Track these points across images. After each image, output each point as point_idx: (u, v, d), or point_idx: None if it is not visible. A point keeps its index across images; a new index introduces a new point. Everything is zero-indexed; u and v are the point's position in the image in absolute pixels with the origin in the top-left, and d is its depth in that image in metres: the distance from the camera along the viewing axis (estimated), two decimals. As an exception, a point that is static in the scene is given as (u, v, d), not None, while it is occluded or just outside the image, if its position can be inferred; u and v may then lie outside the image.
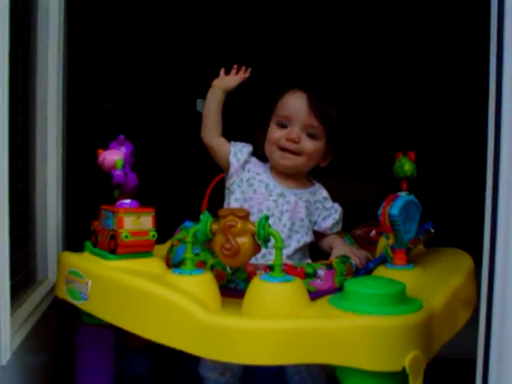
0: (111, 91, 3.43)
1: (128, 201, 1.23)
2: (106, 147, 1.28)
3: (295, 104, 1.41)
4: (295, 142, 1.40)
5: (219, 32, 3.58)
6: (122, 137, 1.28)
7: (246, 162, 1.46)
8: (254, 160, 1.48)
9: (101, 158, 1.24)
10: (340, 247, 1.41)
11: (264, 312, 1.00)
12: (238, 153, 1.46)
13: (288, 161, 1.42)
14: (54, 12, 1.66)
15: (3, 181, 1.16)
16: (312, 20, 3.46)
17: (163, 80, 3.58)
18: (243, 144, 1.48)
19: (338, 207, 1.49)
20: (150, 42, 3.58)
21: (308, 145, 1.41)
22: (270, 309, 1.00)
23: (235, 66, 1.47)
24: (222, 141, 1.47)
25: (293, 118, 1.40)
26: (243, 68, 1.47)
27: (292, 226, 1.41)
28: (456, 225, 2.25)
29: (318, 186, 1.50)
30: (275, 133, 1.42)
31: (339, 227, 1.50)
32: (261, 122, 1.52)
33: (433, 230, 1.34)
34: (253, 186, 1.43)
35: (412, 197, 1.25)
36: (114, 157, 1.23)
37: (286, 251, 1.37)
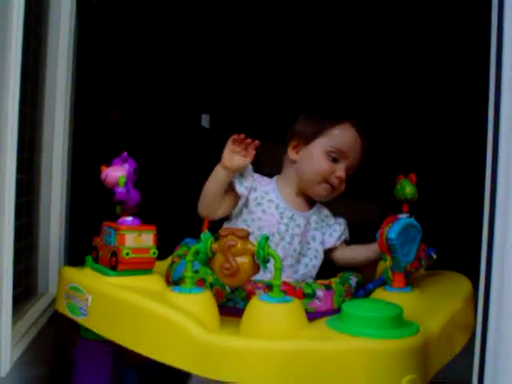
0: (116, 104, 3.45)
1: (130, 218, 1.24)
2: (109, 163, 1.30)
3: (352, 140, 1.41)
4: (342, 181, 1.41)
5: (227, 47, 3.61)
6: (125, 154, 1.29)
7: (253, 182, 1.42)
8: (257, 176, 1.44)
9: (104, 175, 1.26)
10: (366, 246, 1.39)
11: (261, 332, 1.01)
12: (242, 181, 1.40)
13: (329, 197, 1.44)
14: (65, 27, 1.68)
15: (10, 194, 1.18)
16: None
17: (168, 94, 3.61)
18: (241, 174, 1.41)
19: (340, 219, 1.48)
20: (156, 56, 3.61)
21: (343, 184, 1.43)
22: (268, 329, 1.01)
23: (242, 137, 1.36)
24: (224, 203, 1.41)
25: (346, 155, 1.40)
26: (250, 142, 1.36)
27: (301, 250, 1.40)
28: (456, 248, 2.25)
29: (317, 204, 1.48)
30: (325, 165, 1.40)
31: (347, 235, 1.47)
32: (275, 139, 1.50)
33: (435, 256, 1.34)
34: (261, 205, 1.40)
35: (412, 220, 1.26)
36: (116, 173, 1.24)
37: (294, 276, 1.38)
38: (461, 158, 3.20)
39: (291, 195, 1.44)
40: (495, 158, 0.98)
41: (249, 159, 1.37)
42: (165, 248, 1.40)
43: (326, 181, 1.40)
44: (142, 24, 3.59)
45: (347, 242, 1.48)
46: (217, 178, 1.36)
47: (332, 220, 1.47)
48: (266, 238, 1.09)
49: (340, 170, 1.40)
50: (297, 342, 0.98)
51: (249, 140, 1.35)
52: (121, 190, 1.23)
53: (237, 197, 1.41)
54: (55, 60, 1.69)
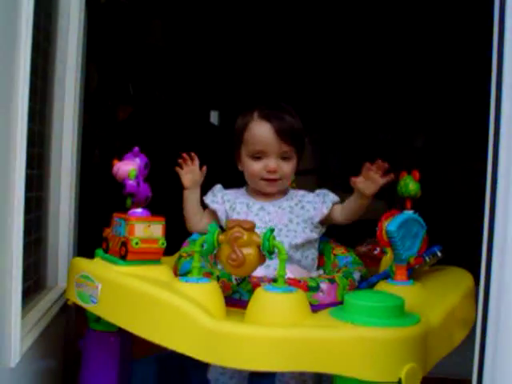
0: (125, 101, 3.47)
1: (139, 210, 1.28)
2: (120, 158, 1.33)
3: (264, 136, 1.48)
4: (275, 172, 1.49)
5: (235, 45, 3.62)
6: (136, 149, 1.32)
7: (224, 196, 1.54)
8: (228, 191, 1.57)
9: (115, 168, 1.28)
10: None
11: (266, 320, 1.03)
12: (213, 198, 1.54)
13: (274, 188, 1.52)
14: (74, 23, 1.72)
15: (20, 189, 1.20)
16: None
17: (177, 91, 3.62)
18: (211, 191, 1.57)
19: (318, 190, 1.55)
20: (165, 53, 3.63)
21: (286, 168, 1.50)
22: (272, 318, 1.04)
23: (185, 156, 1.51)
24: (204, 217, 1.55)
25: (266, 151, 1.48)
26: (187, 158, 1.51)
27: (279, 233, 1.46)
28: (459, 244, 2.26)
29: (291, 190, 1.57)
30: (253, 166, 1.50)
31: (333, 198, 1.52)
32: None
33: (440, 254, 1.35)
34: (235, 209, 1.52)
35: (414, 215, 1.28)
36: (127, 167, 1.27)
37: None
38: (464, 155, 3.22)
39: (257, 194, 1.55)
40: (495, 157, 1.00)
41: (192, 172, 1.50)
42: (172, 244, 1.43)
43: (262, 178, 1.50)
44: (151, 22, 3.61)
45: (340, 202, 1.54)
46: (184, 199, 1.53)
47: (310, 196, 1.55)
48: (272, 230, 1.11)
49: (268, 166, 1.48)
50: (301, 329, 1.01)
51: (185, 156, 1.50)
52: (131, 182, 1.26)
53: (216, 215, 1.54)
54: (64, 57, 1.72)
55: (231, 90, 3.75)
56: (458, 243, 2.30)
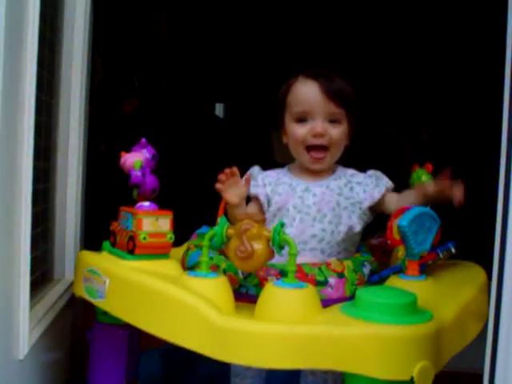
0: (131, 94, 3.47)
1: (147, 203, 1.26)
2: (127, 150, 1.31)
3: (309, 95, 1.34)
4: (322, 135, 1.34)
5: (240, 37, 3.60)
6: (143, 140, 1.31)
7: (264, 179, 1.42)
8: (269, 172, 1.45)
9: (122, 159, 1.27)
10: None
11: (276, 317, 1.02)
12: (254, 183, 1.40)
13: (320, 165, 1.38)
14: (80, 15, 1.70)
15: (27, 181, 1.20)
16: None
17: (182, 84, 3.61)
18: (250, 177, 1.41)
19: (370, 171, 1.42)
20: (171, 46, 3.62)
21: (334, 133, 1.35)
22: (283, 314, 1.02)
23: (226, 171, 1.31)
24: (250, 207, 1.41)
25: (312, 111, 1.34)
26: (228, 172, 1.31)
27: (323, 219, 1.35)
28: (472, 239, 2.24)
29: (340, 168, 1.44)
30: (298, 130, 1.36)
31: (387, 184, 1.39)
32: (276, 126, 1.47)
33: (453, 250, 1.33)
34: (277, 191, 1.40)
35: (427, 209, 1.26)
36: (134, 158, 1.26)
37: (321, 245, 1.34)
38: (477, 151, 3.20)
39: (302, 172, 1.42)
40: (509, 150, 0.98)
41: (235, 186, 1.32)
42: (181, 235, 1.42)
43: (307, 147, 1.36)
44: (157, 15, 3.60)
45: (394, 189, 1.41)
46: (230, 213, 1.35)
47: (360, 176, 1.41)
48: (282, 225, 1.09)
49: (315, 128, 1.34)
50: (312, 326, 0.99)
51: (226, 171, 1.31)
52: (136, 173, 1.25)
53: (258, 200, 1.41)
54: (70, 49, 1.71)
55: (237, 83, 3.74)
56: (471, 238, 2.28)
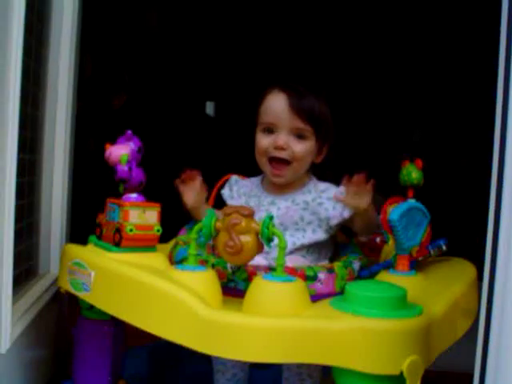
0: (120, 90, 3.45)
1: (134, 195, 1.24)
2: (113, 142, 1.29)
3: (276, 107, 1.35)
4: (283, 149, 1.34)
5: (231, 34, 3.60)
6: (129, 132, 1.29)
7: (239, 189, 1.45)
8: (245, 182, 1.47)
9: (107, 153, 1.25)
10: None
11: (265, 310, 1.01)
12: (230, 194, 1.45)
13: (280, 179, 1.38)
14: (68, 9, 1.68)
15: (11, 174, 1.17)
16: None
17: (172, 81, 3.60)
18: (228, 184, 1.48)
19: (342, 188, 1.36)
20: (161, 42, 3.60)
21: (298, 148, 1.35)
22: (271, 308, 1.01)
23: (188, 173, 1.41)
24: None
25: (277, 124, 1.35)
26: (190, 175, 1.41)
27: (285, 231, 1.34)
28: (462, 235, 2.24)
29: (312, 182, 1.42)
30: (262, 140, 1.37)
31: None
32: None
33: (444, 247, 1.32)
34: (249, 203, 1.41)
35: (418, 204, 1.25)
36: (120, 151, 1.24)
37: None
38: (469, 141, 3.21)
39: (270, 185, 1.43)
40: (502, 148, 0.97)
41: (194, 190, 1.41)
42: (168, 231, 1.40)
43: (269, 158, 1.36)
44: (146, 10, 3.58)
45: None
46: (192, 215, 1.44)
47: (332, 191, 1.38)
48: (271, 217, 1.08)
49: (277, 140, 1.34)
50: (301, 320, 0.98)
51: (188, 172, 1.40)
52: (123, 168, 1.23)
53: None
54: (58, 43, 1.68)
55: (228, 81, 3.73)
56: (462, 234, 2.28)
